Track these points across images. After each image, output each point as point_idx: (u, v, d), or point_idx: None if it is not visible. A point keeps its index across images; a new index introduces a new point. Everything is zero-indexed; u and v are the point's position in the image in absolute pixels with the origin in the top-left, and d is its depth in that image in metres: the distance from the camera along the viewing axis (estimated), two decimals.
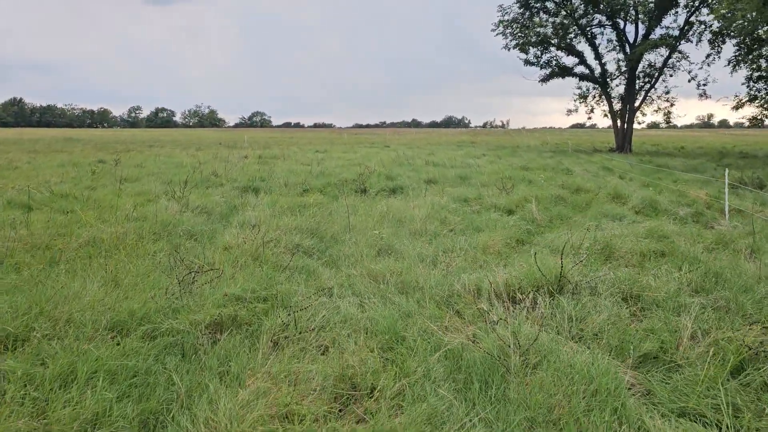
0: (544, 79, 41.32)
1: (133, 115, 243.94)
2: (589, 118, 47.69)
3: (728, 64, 34.69)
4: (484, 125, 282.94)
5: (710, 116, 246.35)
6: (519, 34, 39.57)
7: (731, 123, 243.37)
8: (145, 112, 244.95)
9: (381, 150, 36.17)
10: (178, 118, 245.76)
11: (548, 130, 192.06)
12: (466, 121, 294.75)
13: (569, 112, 45.18)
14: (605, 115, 42.20)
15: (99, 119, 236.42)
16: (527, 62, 40.86)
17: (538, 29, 38.79)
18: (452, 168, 20.29)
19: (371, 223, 9.18)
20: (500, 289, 5.35)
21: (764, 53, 34.66)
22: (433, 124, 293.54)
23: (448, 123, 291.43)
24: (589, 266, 6.13)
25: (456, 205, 11.39)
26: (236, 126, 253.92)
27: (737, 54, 34.55)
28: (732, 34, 33.58)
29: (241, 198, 11.66)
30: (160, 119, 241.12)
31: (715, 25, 35.42)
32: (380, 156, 27.70)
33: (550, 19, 39.47)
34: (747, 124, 38.97)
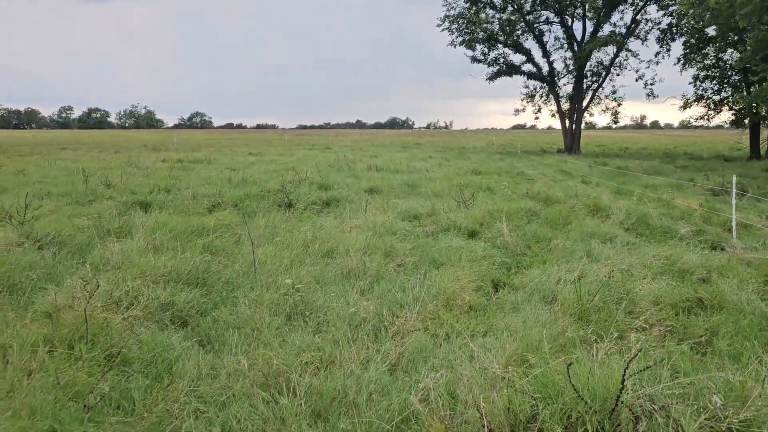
0: (492, 77, 39.65)
1: (63, 115, 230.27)
2: (537, 118, 46.28)
3: (678, 62, 33.87)
4: (428, 126, 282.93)
5: (643, 117, 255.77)
6: (465, 30, 37.65)
7: (662, 124, 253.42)
8: (77, 113, 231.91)
9: (321, 152, 33.48)
10: (113, 118, 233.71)
11: (491, 131, 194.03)
12: (410, 123, 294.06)
13: (517, 111, 43.78)
14: (553, 115, 40.97)
15: (26, 120, 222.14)
16: (474, 59, 39.06)
17: (485, 25, 36.97)
18: (398, 173, 17.85)
19: (288, 257, 6.55)
20: (499, 416, 2.87)
21: (710, 53, 34.12)
22: (377, 125, 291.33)
23: (392, 124, 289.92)
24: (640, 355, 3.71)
25: (405, 225, 8.88)
26: (175, 127, 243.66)
27: (686, 52, 33.80)
28: (684, 30, 32.74)
29: (120, 219, 8.73)
30: (93, 120, 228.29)
31: (665, 22, 34.61)
32: (318, 159, 24.99)
33: (497, 15, 37.78)
34: (676, 125, 38.85)
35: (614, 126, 41.63)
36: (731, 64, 33.44)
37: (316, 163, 20.96)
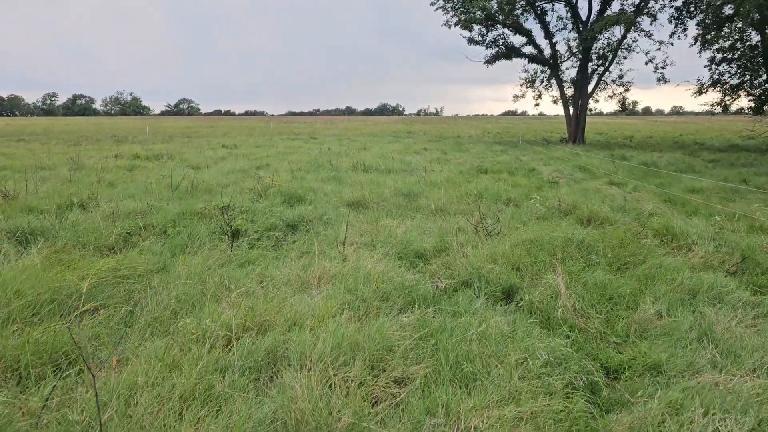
0: (490, 61, 36.39)
1: (48, 102, 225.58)
2: (537, 104, 43.20)
3: (695, 43, 30.95)
4: (419, 112, 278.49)
5: (635, 104, 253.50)
6: (461, 9, 34.29)
7: (653, 110, 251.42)
8: (62, 99, 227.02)
9: (304, 144, 30.26)
10: (98, 105, 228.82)
11: (482, 117, 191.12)
12: (401, 109, 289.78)
13: (516, 97, 40.41)
14: (555, 102, 37.85)
15: (9, 107, 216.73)
16: (471, 41, 35.78)
17: (482, 3, 33.60)
18: (390, 174, 14.72)
19: (183, 384, 3.48)
20: None
21: (724, 34, 31.25)
22: (368, 112, 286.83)
23: (383, 110, 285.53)
24: None
25: (402, 275, 5.80)
26: (162, 114, 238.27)
27: (702, 33, 30.84)
28: (702, 8, 29.68)
29: None
30: (78, 107, 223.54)
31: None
32: (298, 154, 21.80)
33: None
34: (668, 111, 36.22)
35: (605, 112, 38.86)
36: (751, 45, 30.67)
37: (294, 159, 17.78)
